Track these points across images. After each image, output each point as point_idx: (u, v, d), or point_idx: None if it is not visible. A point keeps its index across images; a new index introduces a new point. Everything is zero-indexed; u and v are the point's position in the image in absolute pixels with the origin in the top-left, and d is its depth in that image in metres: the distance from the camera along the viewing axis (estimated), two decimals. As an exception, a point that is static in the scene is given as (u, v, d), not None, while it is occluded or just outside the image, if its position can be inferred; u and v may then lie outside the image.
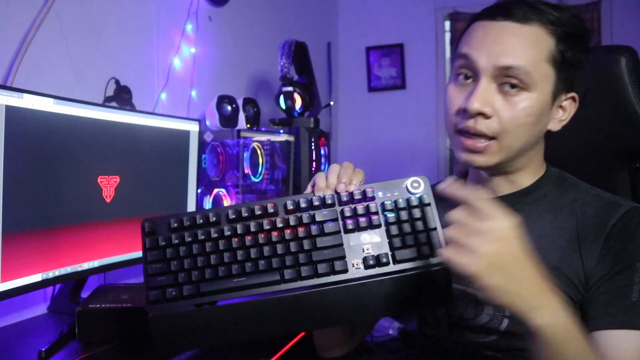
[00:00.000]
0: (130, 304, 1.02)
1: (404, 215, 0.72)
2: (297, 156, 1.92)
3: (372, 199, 0.73)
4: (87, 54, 1.44)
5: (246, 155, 1.73)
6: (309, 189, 0.77)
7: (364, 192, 0.73)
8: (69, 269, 1.08)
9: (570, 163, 0.87)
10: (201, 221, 0.71)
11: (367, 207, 0.72)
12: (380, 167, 3.22)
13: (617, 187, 1.01)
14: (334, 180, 0.75)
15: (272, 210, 0.72)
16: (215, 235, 0.70)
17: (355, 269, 0.70)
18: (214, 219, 0.71)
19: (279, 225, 0.71)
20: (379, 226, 0.72)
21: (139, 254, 1.24)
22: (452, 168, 3.31)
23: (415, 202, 0.72)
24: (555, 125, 0.81)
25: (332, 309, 0.69)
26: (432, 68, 3.24)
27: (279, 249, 0.70)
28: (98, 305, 1.01)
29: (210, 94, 1.90)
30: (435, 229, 0.71)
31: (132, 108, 1.49)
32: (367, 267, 0.70)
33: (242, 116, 1.89)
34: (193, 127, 1.42)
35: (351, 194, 0.73)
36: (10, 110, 0.94)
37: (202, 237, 0.70)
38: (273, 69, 2.23)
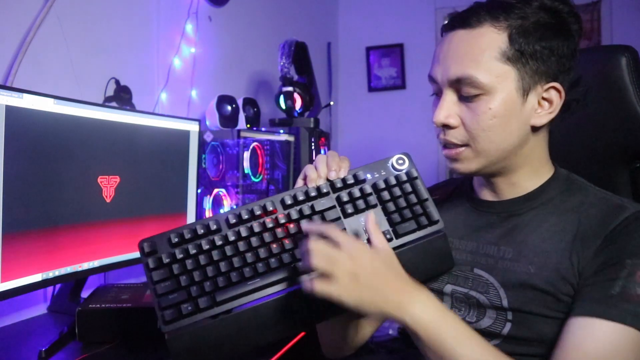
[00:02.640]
0: (130, 304, 1.02)
1: (396, 191, 0.74)
2: (297, 156, 1.92)
3: (364, 181, 0.75)
4: (87, 54, 1.44)
5: (246, 155, 1.73)
6: (299, 183, 0.78)
7: (355, 176, 0.75)
8: (69, 269, 1.08)
9: (570, 163, 0.87)
10: (202, 231, 0.70)
11: (362, 190, 0.74)
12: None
13: (618, 187, 1.01)
14: (324, 169, 0.76)
15: (271, 208, 0.72)
16: (220, 242, 0.69)
17: None
18: (215, 226, 0.70)
19: (282, 221, 0.71)
20: (375, 206, 0.74)
21: (139, 254, 1.24)
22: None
23: (404, 178, 0.75)
24: (540, 120, 0.77)
25: None
26: (432, 68, 3.22)
27: (287, 244, 0.70)
28: (98, 305, 1.01)
29: (210, 94, 1.90)
30: (427, 199, 0.75)
31: (132, 108, 1.49)
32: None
33: (242, 116, 1.89)
34: (193, 127, 1.42)
35: (343, 180, 0.74)
36: (10, 110, 0.94)
37: (207, 246, 0.69)
38: (273, 69, 2.23)
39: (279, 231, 0.70)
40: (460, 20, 0.77)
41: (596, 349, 0.66)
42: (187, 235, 0.70)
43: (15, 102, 0.95)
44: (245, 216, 0.71)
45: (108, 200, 1.17)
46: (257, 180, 1.76)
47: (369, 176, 0.76)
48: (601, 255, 0.72)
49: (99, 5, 1.49)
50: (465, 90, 0.75)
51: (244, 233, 0.70)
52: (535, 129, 0.78)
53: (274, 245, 0.70)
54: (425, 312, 0.65)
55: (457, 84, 0.75)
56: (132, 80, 1.55)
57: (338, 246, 0.65)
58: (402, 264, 0.70)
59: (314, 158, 1.93)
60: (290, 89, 2.08)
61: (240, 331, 0.68)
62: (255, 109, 1.98)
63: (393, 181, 0.75)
